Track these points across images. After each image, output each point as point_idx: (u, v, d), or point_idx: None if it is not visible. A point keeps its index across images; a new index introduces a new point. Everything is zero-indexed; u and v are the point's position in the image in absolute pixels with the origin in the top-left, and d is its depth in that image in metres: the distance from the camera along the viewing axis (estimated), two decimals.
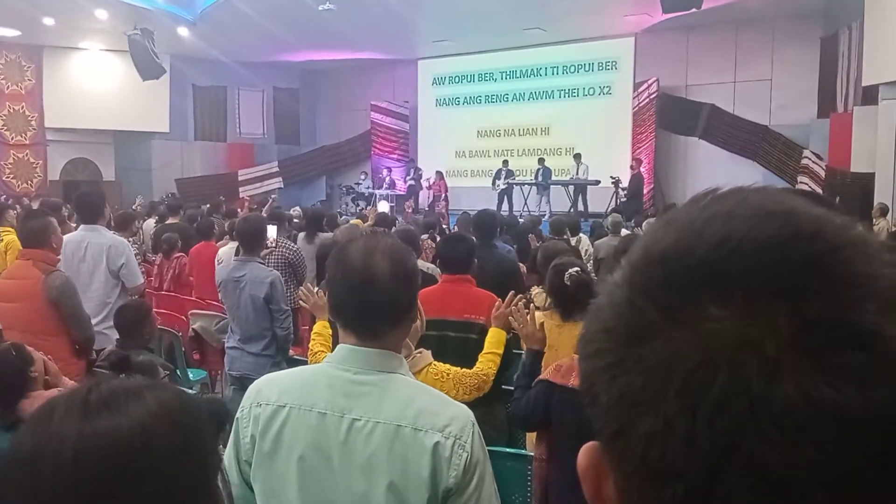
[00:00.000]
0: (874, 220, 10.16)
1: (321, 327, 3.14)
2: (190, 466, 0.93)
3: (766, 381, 0.37)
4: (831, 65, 14.37)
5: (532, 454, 2.99)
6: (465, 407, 1.61)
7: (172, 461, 0.91)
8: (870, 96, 11.88)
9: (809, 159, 14.42)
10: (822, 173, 13.77)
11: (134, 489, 0.87)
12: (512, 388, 3.66)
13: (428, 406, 1.53)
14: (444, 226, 11.12)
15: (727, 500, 0.38)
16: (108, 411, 0.90)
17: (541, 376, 2.70)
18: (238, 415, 1.62)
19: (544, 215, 14.73)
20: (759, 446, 0.37)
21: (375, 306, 1.55)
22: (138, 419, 0.90)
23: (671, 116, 16.77)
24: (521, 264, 5.88)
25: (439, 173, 17.89)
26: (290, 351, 4.63)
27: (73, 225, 5.65)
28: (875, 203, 10.74)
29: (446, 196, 17.44)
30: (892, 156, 11.21)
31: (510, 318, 2.97)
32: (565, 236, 8.01)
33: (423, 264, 5.19)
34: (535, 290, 3.98)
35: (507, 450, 3.21)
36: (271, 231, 5.65)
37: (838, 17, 13.90)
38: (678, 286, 0.40)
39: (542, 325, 2.91)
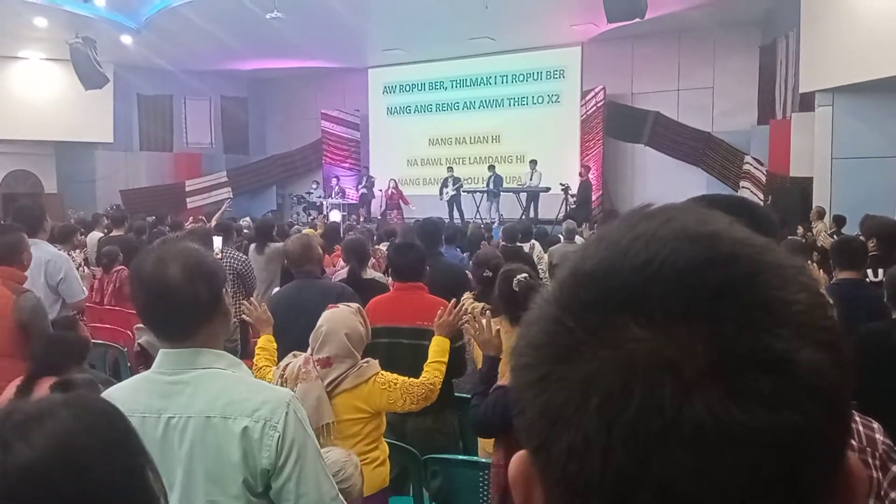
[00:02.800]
0: (812, 223, 10.49)
1: (265, 341, 3.11)
2: (117, 468, 0.95)
3: (678, 403, 0.38)
4: (770, 73, 14.83)
5: (484, 460, 3.00)
6: (283, 391, 1.72)
7: (98, 468, 0.92)
8: (807, 103, 12.30)
9: (751, 165, 14.83)
10: (763, 178, 14.17)
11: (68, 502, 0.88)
12: (464, 395, 3.69)
13: (239, 395, 1.61)
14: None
15: None
16: (24, 440, 0.90)
17: (498, 382, 2.71)
18: None
19: (494, 222, 14.83)
20: (669, 466, 0.38)
21: (175, 310, 1.62)
22: (55, 440, 0.90)
23: (618, 124, 17.07)
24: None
25: (393, 181, 17.85)
26: None
27: None
28: (813, 206, 11.10)
29: (398, 205, 17.42)
30: (829, 160, 11.61)
31: (467, 325, 2.98)
32: (517, 242, 8.09)
33: (372, 273, 5.20)
34: (466, 296, 4.02)
35: (460, 457, 3.22)
36: (217, 242, 5.57)
37: (776, 26, 14.36)
38: (602, 307, 0.41)
39: (497, 331, 2.94)
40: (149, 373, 1.69)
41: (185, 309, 1.61)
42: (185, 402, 1.60)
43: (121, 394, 1.68)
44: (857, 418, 1.26)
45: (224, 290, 1.72)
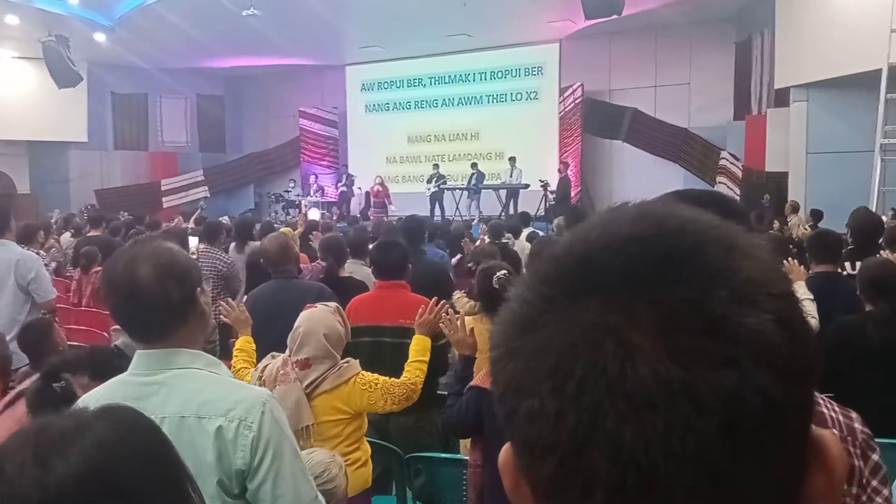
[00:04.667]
0: (787, 216, 10.62)
1: (244, 342, 3.08)
2: (157, 481, 0.93)
3: (620, 362, 0.40)
4: (745, 69, 14.97)
5: (467, 458, 3.00)
6: (259, 390, 1.70)
7: (139, 481, 0.90)
8: (782, 99, 12.44)
9: (727, 160, 14.97)
10: (739, 173, 14.31)
11: None
12: (446, 393, 3.68)
13: (213, 394, 1.59)
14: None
15: (590, 472, 0.40)
16: (61, 456, 0.87)
17: (472, 382, 2.70)
18: None
19: (474, 219, 14.84)
20: (615, 422, 0.39)
21: (146, 312, 1.60)
22: (93, 454, 0.88)
23: (596, 120, 17.15)
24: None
25: (380, 178, 17.77)
26: None
27: None
28: (788, 201, 11.23)
29: (384, 203, 17.31)
30: (804, 155, 11.76)
31: (441, 324, 2.97)
32: (504, 239, 8.05)
33: (361, 270, 5.13)
34: (457, 295, 4.01)
35: (442, 455, 3.21)
36: (193, 242, 5.50)
37: (751, 23, 14.50)
38: (559, 282, 0.44)
39: (472, 330, 2.93)
40: (124, 375, 1.66)
41: (157, 310, 1.58)
42: (160, 403, 1.57)
43: (96, 396, 1.65)
44: (837, 408, 1.28)
45: (199, 289, 1.68)
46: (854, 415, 1.29)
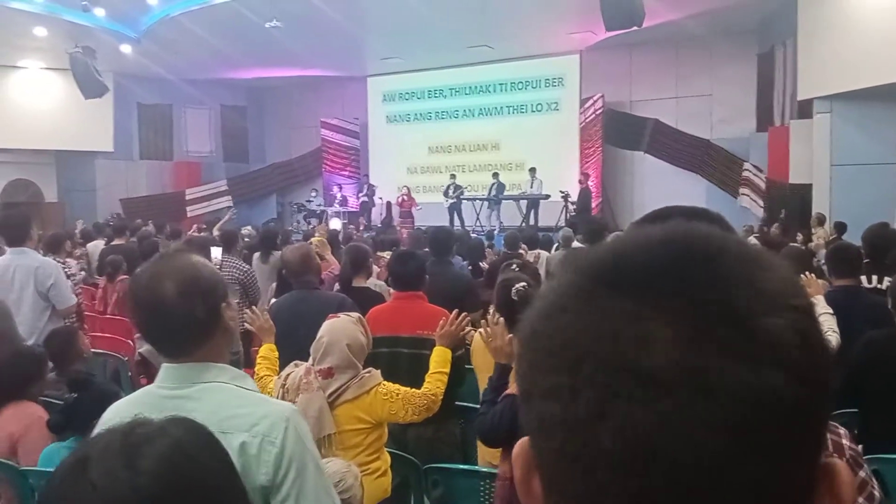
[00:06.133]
0: (812, 229, 10.50)
1: (267, 350, 3.11)
2: (229, 485, 0.99)
3: (638, 346, 0.42)
4: (768, 80, 14.86)
5: (485, 469, 3.00)
6: (283, 405, 1.68)
7: (215, 484, 0.96)
8: (805, 110, 12.32)
9: (750, 172, 14.85)
10: (763, 185, 14.18)
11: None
12: (464, 404, 3.69)
13: (238, 409, 1.58)
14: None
15: (597, 448, 0.42)
16: (147, 458, 0.91)
17: (507, 391, 2.70)
18: None
19: (494, 229, 14.84)
20: (626, 402, 0.41)
21: (172, 328, 1.59)
22: (174, 456, 0.92)
23: (617, 131, 17.10)
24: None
25: (406, 189, 17.82)
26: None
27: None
28: (813, 213, 11.11)
29: (410, 212, 17.32)
30: (828, 167, 11.63)
31: (480, 331, 2.97)
32: (520, 251, 8.05)
33: (374, 281, 5.18)
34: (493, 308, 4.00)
35: (461, 466, 3.22)
36: (215, 252, 5.57)
37: (773, 34, 14.41)
38: (592, 273, 0.47)
39: (510, 339, 2.93)
40: (151, 387, 1.67)
41: (182, 326, 1.59)
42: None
43: (124, 406, 1.68)
44: None
45: (225, 304, 1.67)
46: (842, 430, 1.29)
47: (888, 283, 3.66)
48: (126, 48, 15.86)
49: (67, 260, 6.57)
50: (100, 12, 13.12)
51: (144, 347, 5.72)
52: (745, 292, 0.43)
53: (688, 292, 0.43)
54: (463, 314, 3.12)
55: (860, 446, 1.31)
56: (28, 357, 3.18)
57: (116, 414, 1.65)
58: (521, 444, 0.50)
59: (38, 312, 4.60)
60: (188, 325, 1.59)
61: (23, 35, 14.89)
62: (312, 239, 7.08)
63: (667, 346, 0.41)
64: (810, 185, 11.99)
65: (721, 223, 1.32)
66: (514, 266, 4.30)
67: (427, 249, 5.63)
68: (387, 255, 7.46)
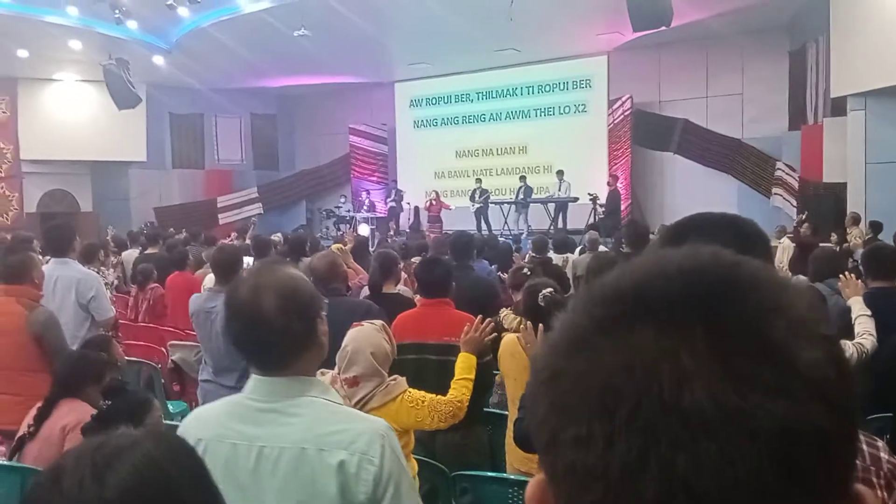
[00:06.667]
0: (847, 229, 10.31)
1: None
2: (202, 499, 0.97)
3: (677, 387, 0.39)
4: (800, 78, 14.62)
5: (513, 477, 2.99)
6: (378, 421, 1.66)
7: (187, 498, 0.95)
8: (839, 108, 12.10)
9: (783, 171, 14.62)
10: (796, 185, 13.96)
11: None
12: (492, 410, 3.68)
13: (333, 425, 1.56)
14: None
15: (639, 499, 0.39)
16: (114, 470, 0.91)
17: None
18: None
19: (522, 233, 14.79)
20: (668, 448, 0.39)
21: (268, 343, 1.58)
22: (144, 469, 0.92)
23: (646, 132, 16.94)
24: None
25: (435, 193, 17.84)
26: None
27: (45, 258, 5.54)
28: (848, 212, 10.90)
29: (439, 217, 17.32)
30: (863, 165, 11.40)
31: (519, 336, 2.96)
32: (548, 254, 8.01)
33: (402, 288, 5.18)
34: (504, 312, 4.00)
35: (489, 473, 3.21)
36: (248, 261, 5.62)
37: (805, 31, 14.18)
38: (614, 304, 0.44)
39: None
40: (240, 397, 1.65)
41: (280, 340, 1.57)
42: (279, 432, 1.56)
43: (209, 416, 1.66)
44: (862, 437, 1.24)
45: (320, 318, 1.65)
46: (880, 443, 1.25)
47: None
48: (158, 59, 16.13)
49: (102, 269, 6.70)
50: (132, 25, 13.36)
51: (177, 355, 5.81)
52: (783, 323, 0.41)
53: (721, 324, 0.41)
54: (487, 320, 3.11)
55: None
56: (92, 359, 3.29)
57: (201, 425, 1.64)
58: (537, 484, 0.47)
59: (79, 322, 4.70)
60: (286, 338, 1.58)
61: (59, 48, 15.23)
62: (332, 246, 7.10)
63: (706, 383, 0.39)
64: (844, 184, 11.77)
65: (752, 229, 1.30)
66: (526, 270, 4.30)
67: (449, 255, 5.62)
68: (415, 260, 7.46)
